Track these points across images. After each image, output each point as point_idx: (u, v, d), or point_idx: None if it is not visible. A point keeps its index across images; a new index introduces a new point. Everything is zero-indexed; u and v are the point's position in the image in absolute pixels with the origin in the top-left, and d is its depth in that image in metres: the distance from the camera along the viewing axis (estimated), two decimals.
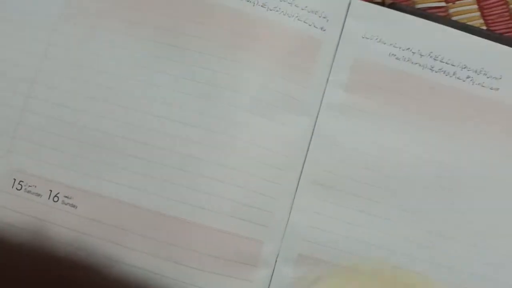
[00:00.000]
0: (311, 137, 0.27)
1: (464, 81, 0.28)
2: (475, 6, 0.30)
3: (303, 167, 0.27)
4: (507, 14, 0.30)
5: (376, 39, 0.28)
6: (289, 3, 0.27)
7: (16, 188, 0.27)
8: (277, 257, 0.27)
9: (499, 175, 0.27)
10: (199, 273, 0.26)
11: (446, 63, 0.28)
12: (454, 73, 0.28)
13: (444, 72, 0.28)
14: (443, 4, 0.30)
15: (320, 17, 0.28)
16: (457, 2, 0.30)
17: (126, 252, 0.26)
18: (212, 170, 0.26)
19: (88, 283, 0.15)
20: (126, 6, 0.27)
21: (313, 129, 0.27)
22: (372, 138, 0.27)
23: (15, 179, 0.27)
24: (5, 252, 0.25)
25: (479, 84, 0.28)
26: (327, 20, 0.28)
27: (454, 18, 0.30)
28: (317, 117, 0.27)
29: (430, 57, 0.28)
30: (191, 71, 0.27)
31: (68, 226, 0.26)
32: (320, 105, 0.27)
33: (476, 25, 0.30)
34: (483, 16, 0.30)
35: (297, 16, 0.27)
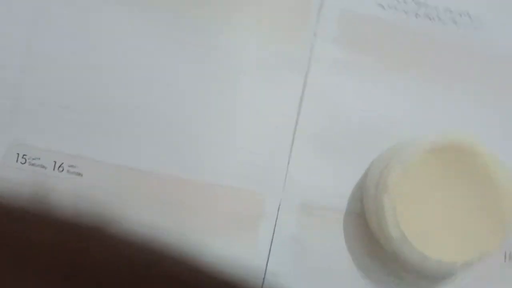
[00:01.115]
0: (303, 93, 0.28)
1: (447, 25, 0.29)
2: None
3: (296, 123, 0.28)
4: None
5: None
6: None
7: (21, 162, 0.28)
8: (279, 209, 0.28)
9: None
10: (205, 229, 0.27)
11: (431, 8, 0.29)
12: (438, 18, 0.29)
13: (429, 17, 0.29)
14: None
15: None
16: None
17: (131, 213, 0.27)
18: (211, 131, 0.27)
19: (94, 241, 0.16)
20: None
21: (304, 85, 0.28)
22: (362, 92, 0.28)
23: (18, 154, 0.28)
24: (13, 221, 0.26)
25: (464, 27, 0.29)
26: None
27: None
28: (307, 72, 0.28)
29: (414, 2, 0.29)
30: (184, 35, 0.27)
31: (75, 194, 0.27)
32: (310, 60, 0.28)
33: None
34: None
35: None
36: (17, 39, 0.28)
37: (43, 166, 0.27)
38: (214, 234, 0.27)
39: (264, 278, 0.28)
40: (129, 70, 0.27)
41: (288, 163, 0.28)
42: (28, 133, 0.28)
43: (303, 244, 0.28)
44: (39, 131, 0.28)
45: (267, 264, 0.28)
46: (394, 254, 0.26)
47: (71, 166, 0.27)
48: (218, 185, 0.27)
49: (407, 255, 0.26)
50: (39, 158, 0.28)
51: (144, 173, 0.27)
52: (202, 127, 0.27)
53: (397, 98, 0.29)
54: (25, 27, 0.28)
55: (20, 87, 0.28)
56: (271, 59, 0.28)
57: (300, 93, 0.28)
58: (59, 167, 0.27)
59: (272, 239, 0.28)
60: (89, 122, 0.27)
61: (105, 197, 0.27)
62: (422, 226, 0.26)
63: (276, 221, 0.28)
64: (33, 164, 0.27)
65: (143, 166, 0.27)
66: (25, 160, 0.28)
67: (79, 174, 0.27)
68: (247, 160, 0.27)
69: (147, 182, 0.27)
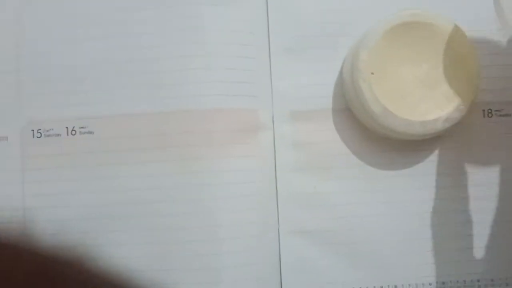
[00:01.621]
0: (267, 10, 0.31)
1: None
2: None
3: (269, 38, 0.31)
4: None
5: None
6: None
7: (37, 137, 0.31)
8: (272, 119, 0.31)
9: None
10: (213, 147, 0.30)
11: None
12: None
13: None
14: None
15: None
16: None
17: (138, 153, 0.30)
18: (193, 63, 0.30)
19: (72, 274, 0.17)
20: None
21: (267, 3, 0.31)
22: None
23: (33, 130, 0.31)
24: None
25: None
26: None
27: None
28: None
29: None
30: None
31: (91, 151, 0.30)
32: None
33: None
34: None
35: None
36: (8, 25, 0.31)
37: (57, 135, 0.31)
38: (219, 151, 0.30)
39: (276, 180, 0.31)
40: (115, 36, 0.30)
41: (271, 77, 0.31)
42: (38, 110, 0.31)
43: (302, 145, 0.31)
44: (47, 106, 0.31)
45: (275, 168, 0.31)
46: (381, 129, 0.29)
47: (82, 127, 0.30)
48: (215, 109, 0.30)
49: (392, 124, 0.29)
50: (53, 129, 0.31)
51: (145, 115, 0.30)
52: (187, 63, 0.30)
53: None
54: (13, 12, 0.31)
55: (20, 70, 0.31)
56: None
57: (265, 9, 0.31)
58: (72, 131, 0.30)
59: (274, 148, 0.31)
60: (88, 87, 0.30)
61: (117, 147, 0.30)
62: (399, 96, 0.29)
63: (274, 131, 0.31)
64: (48, 135, 0.31)
65: (143, 109, 0.30)
66: (41, 134, 0.31)
67: (91, 132, 0.30)
68: (233, 79, 0.30)
69: (150, 122, 0.30)
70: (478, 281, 0.30)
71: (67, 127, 0.31)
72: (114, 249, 0.30)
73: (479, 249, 0.31)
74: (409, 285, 0.30)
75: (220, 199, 0.30)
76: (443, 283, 0.30)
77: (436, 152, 0.31)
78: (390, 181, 0.31)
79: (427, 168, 0.31)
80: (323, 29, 0.31)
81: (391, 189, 0.31)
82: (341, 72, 0.31)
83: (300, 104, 0.31)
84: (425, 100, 0.29)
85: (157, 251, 0.30)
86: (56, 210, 0.30)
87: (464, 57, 0.29)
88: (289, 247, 0.30)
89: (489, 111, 0.31)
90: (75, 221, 0.30)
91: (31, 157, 0.31)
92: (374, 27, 0.29)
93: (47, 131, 0.31)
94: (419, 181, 0.31)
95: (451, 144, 0.31)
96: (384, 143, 0.31)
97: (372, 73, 0.29)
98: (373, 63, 0.29)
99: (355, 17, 0.31)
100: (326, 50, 0.31)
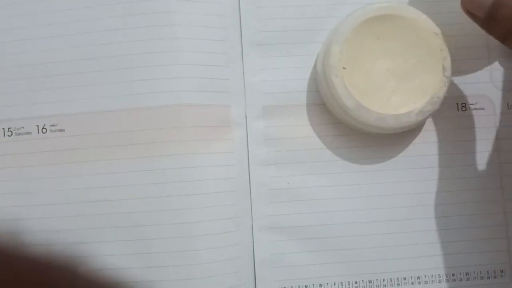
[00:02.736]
0: (239, 5, 0.31)
1: None
2: None
3: (241, 34, 0.31)
4: None
5: None
6: None
7: (8, 135, 0.30)
8: (246, 115, 0.31)
9: None
10: (184, 143, 0.29)
11: None
12: None
13: None
14: None
15: None
16: None
17: (109, 150, 0.30)
18: (163, 59, 0.30)
19: (65, 281, 0.17)
20: None
21: None
22: None
23: (3, 129, 0.30)
24: None
25: None
26: None
27: None
28: None
29: None
30: None
31: (62, 148, 0.30)
32: None
33: None
34: None
35: None
36: None
37: (28, 133, 0.30)
38: (191, 147, 0.30)
39: (249, 175, 0.30)
40: (72, 28, 0.30)
41: (244, 72, 0.31)
42: (7, 108, 0.30)
43: (276, 141, 0.31)
44: (16, 104, 0.30)
45: (249, 164, 0.30)
46: (355, 123, 0.29)
47: (53, 125, 0.30)
48: (186, 104, 0.30)
49: (366, 118, 0.28)
50: (23, 127, 0.30)
51: (116, 111, 0.30)
52: (151, 60, 0.30)
53: None
54: None
55: None
56: None
57: (236, 5, 0.31)
58: (42, 129, 0.30)
59: (247, 144, 0.30)
60: (56, 85, 0.30)
61: (88, 144, 0.30)
62: (372, 90, 0.29)
63: (247, 127, 0.31)
64: (19, 134, 0.30)
65: (114, 106, 0.30)
66: (11, 133, 0.30)
67: (62, 130, 0.30)
68: (204, 75, 0.30)
69: (121, 118, 0.30)
70: (453, 275, 0.30)
71: (37, 125, 0.30)
72: (85, 247, 0.29)
73: (454, 243, 0.30)
74: (384, 279, 0.30)
75: (193, 196, 0.29)
76: (418, 277, 0.30)
77: (411, 146, 0.31)
78: (365, 175, 0.31)
79: (402, 162, 0.31)
80: (296, 23, 0.31)
81: (366, 184, 0.31)
82: (314, 67, 0.31)
83: (274, 100, 0.31)
84: (398, 94, 0.29)
85: (130, 249, 0.29)
86: (28, 209, 0.30)
87: (435, 50, 0.29)
88: (263, 243, 0.30)
89: (463, 104, 0.31)
90: (47, 219, 0.30)
91: (2, 156, 0.30)
92: (345, 21, 0.29)
93: (18, 129, 0.30)
94: (394, 175, 0.31)
95: (425, 138, 0.31)
96: (358, 138, 0.31)
97: (344, 68, 0.28)
98: (344, 58, 0.29)
99: (328, 12, 0.31)
100: (300, 45, 0.31)
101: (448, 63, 0.29)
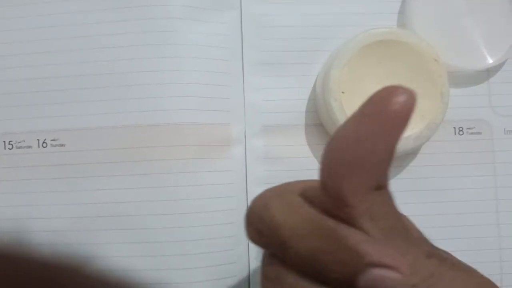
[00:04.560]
0: (241, 25, 0.31)
1: None
2: None
3: (242, 53, 0.31)
4: None
5: None
6: None
7: (8, 148, 0.31)
8: (245, 134, 0.31)
9: None
10: (184, 161, 0.30)
11: None
12: None
13: None
14: None
15: None
16: None
17: (108, 166, 0.30)
18: (165, 77, 0.30)
19: (70, 281, 0.17)
20: None
21: (241, 17, 0.31)
22: (297, 10, 0.31)
23: (4, 142, 0.31)
24: None
25: None
26: None
27: None
28: (241, 4, 0.31)
29: None
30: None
31: (62, 163, 0.30)
32: None
33: None
34: None
35: None
36: None
37: (29, 146, 0.30)
38: (191, 165, 0.30)
39: (247, 193, 0.31)
40: (78, 47, 0.30)
41: (244, 91, 0.31)
42: (9, 122, 0.31)
43: (274, 160, 0.31)
44: (19, 118, 0.31)
45: (246, 183, 0.31)
46: None
47: (53, 140, 0.30)
48: (187, 123, 0.30)
49: None
50: (24, 141, 0.30)
51: (117, 128, 0.30)
52: (153, 78, 0.30)
53: (327, 6, 0.31)
54: None
55: None
56: (204, 2, 0.31)
57: (239, 26, 0.31)
58: (43, 143, 0.30)
59: (246, 163, 0.31)
60: (59, 100, 0.30)
61: (88, 160, 0.30)
62: None
63: (245, 145, 0.31)
64: (19, 147, 0.30)
65: (114, 122, 0.30)
66: (12, 146, 0.31)
67: (62, 145, 0.30)
68: (205, 94, 0.30)
69: (121, 135, 0.30)
70: None
71: (38, 139, 0.30)
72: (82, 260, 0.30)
73: None
74: None
75: (192, 214, 0.30)
76: None
77: (407, 168, 0.31)
78: None
79: (398, 185, 0.31)
80: (297, 44, 0.31)
81: None
82: (314, 88, 0.31)
83: (273, 119, 0.31)
84: None
85: (128, 264, 0.30)
86: (26, 222, 0.30)
87: (434, 76, 0.29)
88: (259, 262, 0.30)
89: (460, 128, 0.32)
90: (43, 233, 0.30)
91: (2, 169, 0.30)
92: (346, 45, 0.29)
93: (19, 143, 0.31)
94: None
95: (422, 162, 0.31)
96: None
97: (343, 92, 0.29)
98: (344, 82, 0.29)
99: (330, 33, 0.31)
100: (300, 66, 0.31)
101: (446, 89, 0.29)
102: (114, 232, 0.30)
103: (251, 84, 0.31)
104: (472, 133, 0.31)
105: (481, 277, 0.21)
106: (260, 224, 0.21)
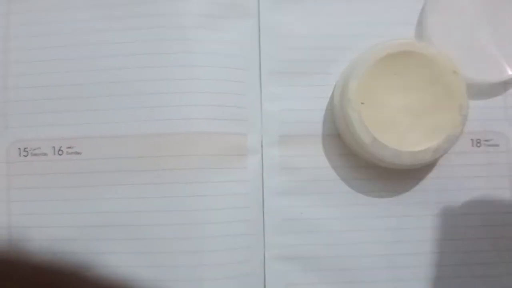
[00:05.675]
0: (259, 34, 0.31)
1: None
2: None
3: (260, 62, 0.31)
4: None
5: None
6: None
7: (24, 155, 0.30)
8: (262, 143, 0.31)
9: None
10: (200, 170, 0.30)
11: None
12: None
13: None
14: None
15: None
16: None
17: (124, 175, 0.30)
18: (182, 86, 0.30)
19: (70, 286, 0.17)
20: None
21: (259, 26, 0.31)
22: (315, 20, 0.31)
23: (19, 148, 0.30)
24: None
25: None
26: None
27: None
28: (258, 13, 0.31)
29: None
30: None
31: (77, 171, 0.30)
32: (259, 2, 0.31)
33: None
34: None
35: None
36: None
37: (44, 154, 0.30)
38: (207, 175, 0.30)
39: (263, 205, 0.30)
40: (92, 54, 0.30)
41: (261, 101, 0.31)
42: (25, 129, 0.30)
43: (290, 170, 0.31)
44: (34, 125, 0.30)
45: (263, 193, 0.30)
46: (371, 157, 0.29)
47: (69, 147, 0.30)
48: (204, 132, 0.30)
49: (382, 154, 0.29)
50: (40, 148, 0.30)
51: (133, 137, 0.30)
52: (169, 87, 0.30)
53: (345, 16, 0.31)
54: None
55: (5, 90, 0.30)
56: (222, 11, 0.30)
57: (256, 34, 0.31)
58: (59, 150, 0.30)
59: (262, 173, 0.31)
60: (75, 107, 0.30)
61: (104, 168, 0.30)
62: (389, 126, 0.29)
63: (262, 155, 0.31)
64: (35, 154, 0.30)
65: (130, 131, 0.30)
66: (27, 153, 0.30)
67: (78, 153, 0.30)
68: (222, 103, 0.30)
69: (137, 144, 0.30)
70: None
71: (54, 147, 0.30)
72: (100, 270, 0.29)
73: (467, 279, 0.31)
74: None
75: (207, 224, 0.29)
76: None
77: (425, 180, 0.31)
78: (378, 208, 0.31)
79: (415, 197, 0.31)
80: (315, 54, 0.31)
81: (379, 217, 0.31)
82: (331, 98, 0.31)
83: (290, 129, 0.31)
84: (414, 130, 0.29)
85: (138, 274, 0.29)
86: (42, 230, 0.30)
87: (453, 88, 0.29)
88: (274, 273, 0.30)
89: (478, 140, 0.31)
90: (60, 241, 0.30)
91: (17, 176, 0.30)
92: (364, 56, 0.29)
93: (34, 150, 0.30)
94: (407, 209, 0.31)
95: (439, 173, 0.31)
96: (373, 171, 0.31)
97: (362, 103, 0.29)
98: (362, 93, 0.29)
99: (347, 43, 0.31)
100: (318, 75, 0.31)
101: (465, 102, 0.29)
102: (129, 241, 0.30)
103: (268, 94, 0.31)
104: (490, 145, 0.31)
105: None
106: None
